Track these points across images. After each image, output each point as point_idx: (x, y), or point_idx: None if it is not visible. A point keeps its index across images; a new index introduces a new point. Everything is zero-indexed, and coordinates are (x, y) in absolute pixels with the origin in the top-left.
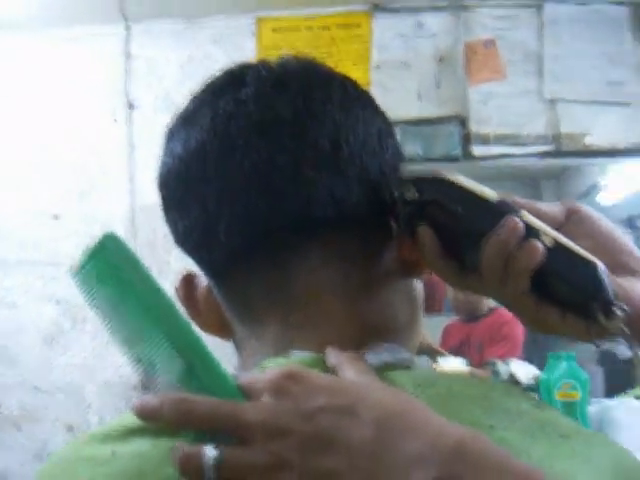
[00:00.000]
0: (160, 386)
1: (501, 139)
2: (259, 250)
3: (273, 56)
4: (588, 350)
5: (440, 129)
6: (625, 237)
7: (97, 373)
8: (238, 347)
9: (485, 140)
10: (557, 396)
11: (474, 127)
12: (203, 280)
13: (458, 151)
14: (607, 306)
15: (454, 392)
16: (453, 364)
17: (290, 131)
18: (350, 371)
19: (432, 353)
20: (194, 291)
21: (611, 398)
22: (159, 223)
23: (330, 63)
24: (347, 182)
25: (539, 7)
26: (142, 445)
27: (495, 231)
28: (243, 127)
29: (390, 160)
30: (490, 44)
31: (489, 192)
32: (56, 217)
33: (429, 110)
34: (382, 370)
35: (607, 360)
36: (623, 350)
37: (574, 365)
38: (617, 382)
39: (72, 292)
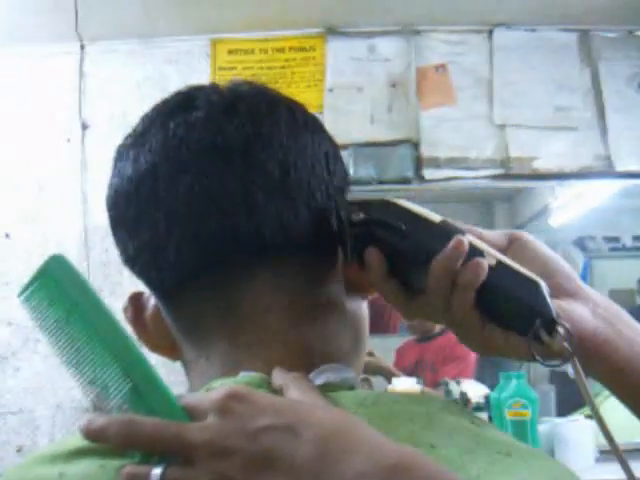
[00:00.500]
0: (108, 407)
1: (451, 162)
2: (208, 272)
3: (228, 77)
4: (540, 369)
5: (392, 152)
6: (564, 262)
7: (48, 395)
8: (187, 368)
9: (436, 163)
10: (508, 415)
11: (425, 150)
12: (151, 300)
13: (410, 173)
14: (550, 324)
15: (395, 411)
16: (406, 385)
17: (240, 156)
18: (295, 391)
19: (387, 374)
20: (142, 311)
21: (563, 416)
22: (112, 243)
23: (284, 85)
24: (295, 207)
25: (490, 33)
26: (90, 466)
27: (442, 250)
28: (194, 151)
29: (338, 184)
30: (441, 69)
31: (434, 215)
32: (7, 236)
33: (382, 133)
34: (326, 390)
35: (559, 379)
36: (565, 368)
37: (524, 384)
38: (569, 400)
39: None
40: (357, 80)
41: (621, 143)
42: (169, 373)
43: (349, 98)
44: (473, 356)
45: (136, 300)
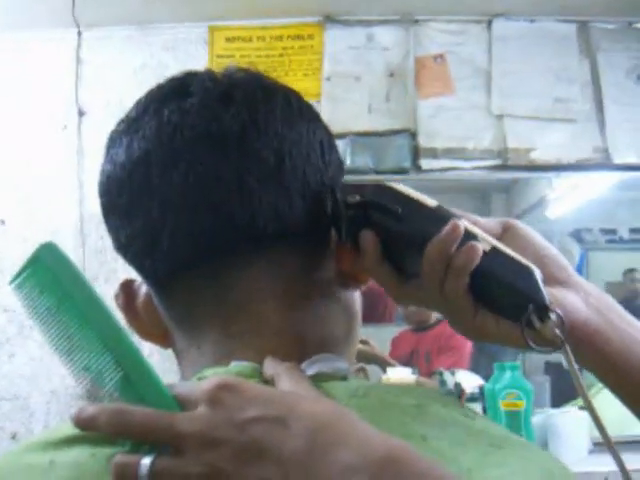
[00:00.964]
0: (100, 396)
1: (449, 153)
2: (201, 260)
3: (225, 65)
4: (535, 360)
5: (390, 142)
6: (557, 251)
7: (43, 382)
8: (178, 356)
9: (433, 153)
10: (502, 406)
11: (423, 140)
12: (143, 288)
13: (407, 163)
14: (542, 310)
15: (387, 402)
16: (401, 374)
17: (235, 144)
18: (286, 381)
19: (382, 363)
20: (134, 299)
21: (557, 407)
22: (107, 231)
23: (282, 73)
24: (290, 195)
25: (489, 23)
26: (81, 454)
27: (437, 233)
28: (188, 138)
29: (332, 174)
30: (440, 59)
31: (429, 200)
32: (2, 223)
33: (379, 123)
34: (318, 380)
35: (554, 370)
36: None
37: (519, 375)
38: (564, 391)
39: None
40: (355, 69)
41: (619, 135)
42: (164, 360)
43: (347, 87)
44: (468, 347)
45: (128, 287)
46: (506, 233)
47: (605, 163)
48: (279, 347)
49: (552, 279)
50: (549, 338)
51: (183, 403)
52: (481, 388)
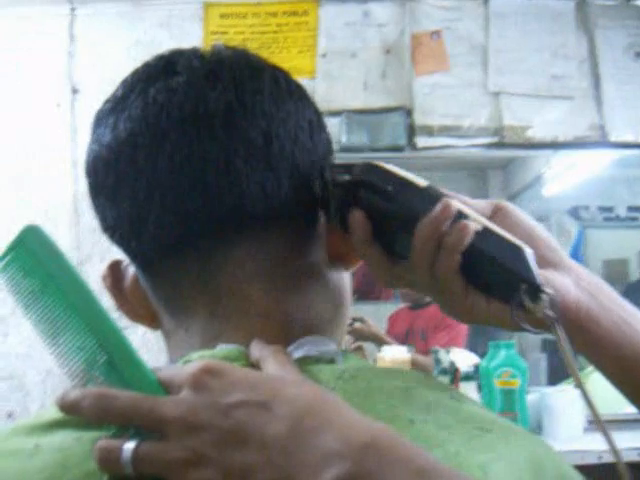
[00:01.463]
0: (84, 380)
1: (445, 130)
2: (188, 242)
3: (219, 41)
4: (531, 338)
5: (385, 119)
6: (548, 233)
7: (38, 361)
8: (166, 338)
9: (429, 131)
10: (497, 384)
11: (419, 118)
12: (131, 269)
13: (403, 141)
14: (534, 291)
15: (374, 386)
16: (396, 352)
17: (222, 124)
18: (271, 365)
19: (378, 342)
20: (121, 280)
21: (554, 385)
22: None
23: (276, 50)
24: (278, 176)
25: None
26: (66, 438)
27: (429, 212)
28: (174, 118)
29: (321, 153)
30: (436, 35)
31: (420, 180)
32: None
33: (375, 100)
34: (305, 363)
35: (550, 347)
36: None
37: (513, 353)
38: (560, 369)
39: None
40: (351, 46)
41: (616, 113)
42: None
43: (342, 64)
44: (464, 325)
45: (115, 269)
46: (496, 214)
47: (602, 141)
48: (266, 329)
49: (543, 261)
50: (540, 318)
51: (167, 387)
52: (476, 366)
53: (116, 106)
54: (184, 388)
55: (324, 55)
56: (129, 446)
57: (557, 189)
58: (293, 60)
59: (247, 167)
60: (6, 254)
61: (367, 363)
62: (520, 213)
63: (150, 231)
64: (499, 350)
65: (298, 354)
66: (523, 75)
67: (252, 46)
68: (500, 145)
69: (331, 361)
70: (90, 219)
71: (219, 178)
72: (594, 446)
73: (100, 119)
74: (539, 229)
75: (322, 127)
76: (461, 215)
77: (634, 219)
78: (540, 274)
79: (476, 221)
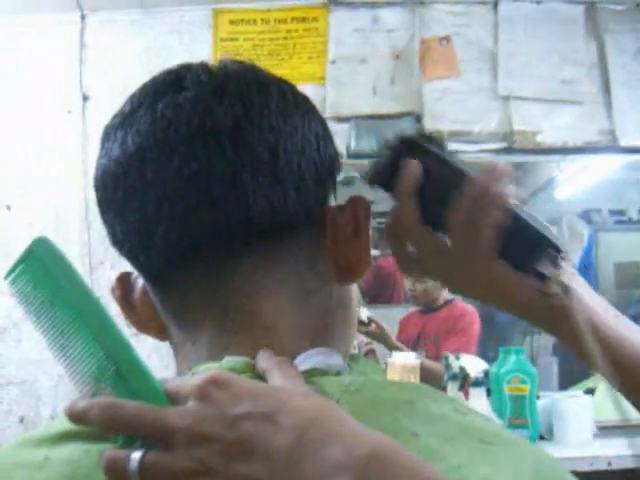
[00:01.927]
0: (92, 391)
1: (454, 136)
2: (196, 255)
3: (230, 48)
4: (543, 342)
5: (395, 125)
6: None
7: (50, 366)
8: (175, 350)
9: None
10: (506, 390)
11: (428, 123)
12: (139, 281)
13: None
14: (557, 253)
15: (380, 398)
16: (406, 357)
17: (229, 138)
18: (277, 376)
19: (389, 346)
20: (130, 292)
21: (565, 389)
22: None
23: (286, 57)
24: (285, 190)
25: (495, 4)
26: (74, 451)
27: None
28: (182, 133)
29: (328, 166)
30: (445, 41)
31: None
32: (8, 208)
33: (384, 106)
34: (311, 375)
35: (562, 351)
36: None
37: (523, 359)
38: (571, 373)
39: None
40: (360, 51)
41: (626, 117)
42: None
43: (352, 70)
44: (476, 330)
45: (124, 281)
46: None
47: (612, 145)
48: (273, 341)
49: None
50: (555, 289)
51: (174, 398)
52: (486, 372)
53: (124, 121)
54: (190, 399)
55: (334, 61)
56: (136, 456)
57: (568, 192)
58: (303, 66)
59: (254, 181)
60: (16, 266)
61: (373, 376)
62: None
63: (158, 245)
64: (509, 356)
65: (304, 366)
66: (533, 80)
67: (262, 52)
68: (510, 150)
69: (337, 373)
70: (101, 226)
71: (226, 192)
72: (604, 452)
73: (108, 134)
74: None
75: (329, 139)
76: None
77: None
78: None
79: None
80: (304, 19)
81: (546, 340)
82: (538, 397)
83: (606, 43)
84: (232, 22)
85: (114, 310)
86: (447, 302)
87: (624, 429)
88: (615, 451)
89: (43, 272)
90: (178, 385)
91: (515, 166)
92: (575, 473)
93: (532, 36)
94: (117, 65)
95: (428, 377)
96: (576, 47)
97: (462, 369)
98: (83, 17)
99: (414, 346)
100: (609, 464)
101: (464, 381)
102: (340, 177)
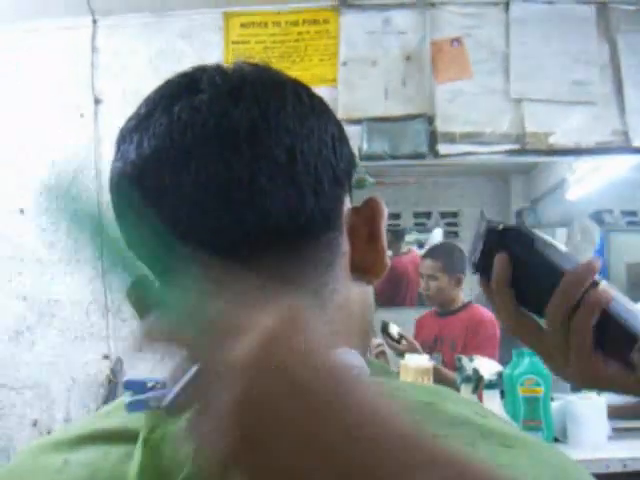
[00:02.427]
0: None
1: (467, 137)
2: (212, 260)
3: (241, 51)
4: None
5: (407, 127)
6: None
7: (63, 370)
8: None
9: (451, 138)
10: (520, 392)
11: (440, 125)
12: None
13: (425, 148)
14: None
15: (399, 400)
16: (419, 360)
17: (246, 141)
18: None
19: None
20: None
21: (578, 391)
22: None
23: (297, 59)
24: (302, 192)
25: (506, 5)
26: (93, 453)
27: (574, 269)
28: (199, 136)
29: (344, 167)
30: (457, 42)
31: (561, 245)
32: (21, 211)
33: (396, 108)
34: None
35: None
36: None
37: (537, 361)
38: None
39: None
40: (371, 53)
41: (638, 118)
42: None
43: (363, 72)
44: (497, 337)
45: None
46: None
47: (625, 146)
48: None
49: None
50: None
51: None
52: (500, 374)
53: (140, 123)
54: None
55: (345, 63)
56: None
57: (580, 193)
58: (314, 68)
59: (272, 184)
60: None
61: (392, 377)
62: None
63: (174, 248)
64: (523, 358)
65: None
66: (544, 81)
67: (273, 55)
68: (522, 152)
69: (357, 375)
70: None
71: (244, 195)
72: (619, 454)
73: (124, 136)
74: None
75: (344, 140)
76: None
77: None
78: None
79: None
80: (315, 21)
81: None
82: (552, 399)
83: (618, 43)
84: (243, 25)
85: (130, 313)
86: (465, 305)
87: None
88: (630, 453)
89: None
90: None
91: (527, 167)
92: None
93: (544, 37)
94: (128, 68)
95: (441, 382)
96: (588, 48)
97: (476, 371)
98: (95, 21)
99: (431, 349)
100: (624, 466)
101: (478, 383)
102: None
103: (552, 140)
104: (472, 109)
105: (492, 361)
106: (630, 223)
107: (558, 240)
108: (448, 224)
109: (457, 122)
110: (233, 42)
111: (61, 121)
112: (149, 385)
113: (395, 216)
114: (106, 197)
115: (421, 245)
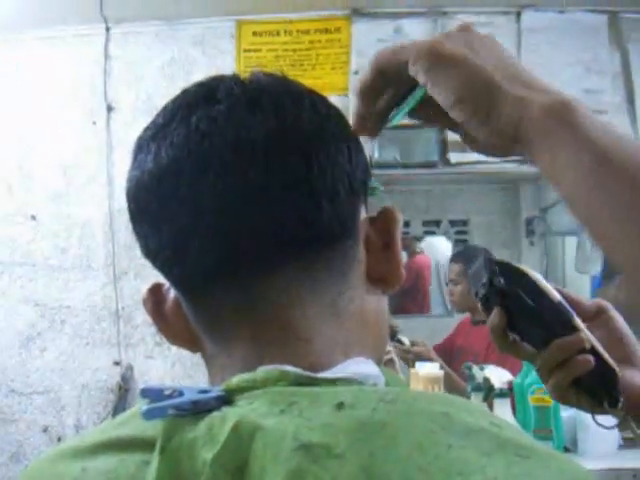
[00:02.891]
0: None
1: None
2: (230, 268)
3: (253, 59)
4: None
5: (418, 135)
6: (634, 339)
7: (74, 376)
8: (207, 362)
9: (462, 146)
10: (531, 401)
11: (451, 133)
12: (172, 292)
13: (436, 157)
14: (614, 400)
15: (414, 409)
16: (429, 368)
17: (263, 151)
18: None
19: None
20: (162, 303)
21: None
22: None
23: (309, 68)
24: (319, 202)
25: (518, 15)
26: (111, 461)
27: (560, 332)
28: (217, 146)
29: (360, 176)
30: None
31: (554, 293)
32: (34, 218)
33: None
34: (348, 384)
35: None
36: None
37: None
38: None
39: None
40: None
41: None
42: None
43: None
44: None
45: (156, 292)
46: (599, 316)
47: None
48: (308, 354)
49: (626, 359)
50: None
51: None
52: (510, 383)
53: (157, 133)
54: None
55: (356, 72)
56: None
57: None
58: (326, 77)
59: (289, 194)
60: None
61: (406, 386)
62: (618, 316)
63: (193, 257)
64: (533, 367)
65: (342, 374)
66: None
67: (284, 63)
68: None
69: (373, 384)
70: (125, 236)
71: (261, 205)
72: (629, 464)
73: (141, 146)
74: (630, 335)
75: (360, 149)
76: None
77: None
78: (621, 374)
79: (587, 340)
80: (327, 30)
81: None
82: (562, 408)
83: (630, 53)
84: (255, 33)
85: (141, 319)
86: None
87: None
88: None
89: None
90: None
91: (537, 175)
92: None
93: (555, 46)
94: (141, 76)
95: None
96: (599, 57)
97: (486, 380)
98: (108, 29)
99: (450, 359)
100: (634, 476)
101: (488, 392)
102: None
103: None
104: None
105: (502, 370)
106: None
107: (569, 249)
108: (458, 232)
109: None
110: (245, 50)
111: (73, 128)
112: (166, 393)
113: (404, 224)
114: (117, 204)
115: None
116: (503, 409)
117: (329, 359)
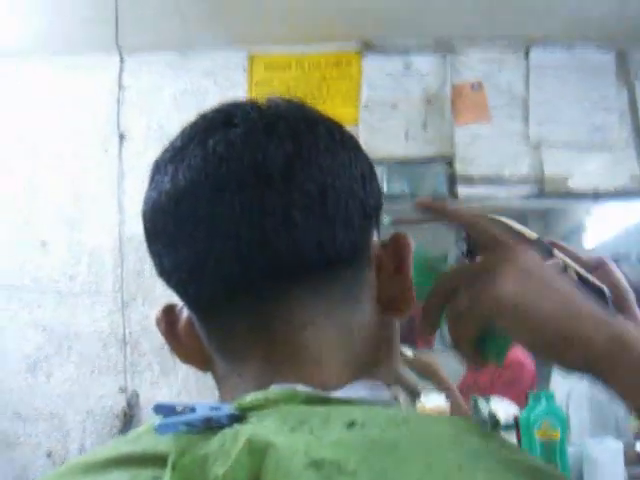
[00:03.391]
0: None
1: (485, 180)
2: (245, 289)
3: (264, 92)
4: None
5: (426, 169)
6: (631, 292)
7: (79, 401)
8: (219, 381)
9: (470, 181)
10: (537, 435)
11: (460, 167)
12: (185, 312)
13: (444, 190)
14: None
15: (425, 430)
16: (435, 401)
17: (280, 176)
18: None
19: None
20: (175, 323)
21: (596, 436)
22: (146, 253)
23: (320, 101)
24: (333, 228)
25: (526, 52)
26: (122, 476)
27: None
28: (234, 170)
29: (373, 203)
30: (477, 87)
31: (530, 232)
32: (44, 244)
33: (416, 150)
34: (360, 405)
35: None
36: None
37: (554, 404)
38: (602, 420)
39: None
40: (392, 96)
41: None
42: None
43: (384, 114)
44: (528, 380)
45: (170, 312)
46: (599, 268)
47: None
48: (319, 374)
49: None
50: None
51: None
52: (516, 417)
53: (175, 155)
54: None
55: (366, 105)
56: None
57: (598, 239)
58: (336, 110)
59: (304, 219)
60: None
61: (417, 410)
62: (615, 269)
63: (208, 278)
64: (539, 400)
65: (354, 395)
66: (563, 126)
67: (297, 97)
68: (540, 195)
69: (386, 406)
70: (134, 262)
71: (277, 229)
72: None
73: (159, 167)
74: (626, 287)
75: (374, 176)
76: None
77: None
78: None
79: (571, 268)
80: (338, 63)
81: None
82: (569, 443)
83: (637, 89)
84: (267, 66)
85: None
86: None
87: None
88: None
89: None
90: None
91: (545, 211)
92: None
93: (563, 83)
94: (153, 106)
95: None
96: (607, 94)
97: (492, 414)
98: (122, 59)
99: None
100: None
101: (494, 426)
102: None
103: (571, 184)
104: (491, 152)
105: (509, 403)
106: None
107: None
108: None
109: (476, 165)
110: (256, 83)
111: (86, 155)
112: (178, 409)
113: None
114: (128, 231)
115: None
116: None
117: (340, 380)
